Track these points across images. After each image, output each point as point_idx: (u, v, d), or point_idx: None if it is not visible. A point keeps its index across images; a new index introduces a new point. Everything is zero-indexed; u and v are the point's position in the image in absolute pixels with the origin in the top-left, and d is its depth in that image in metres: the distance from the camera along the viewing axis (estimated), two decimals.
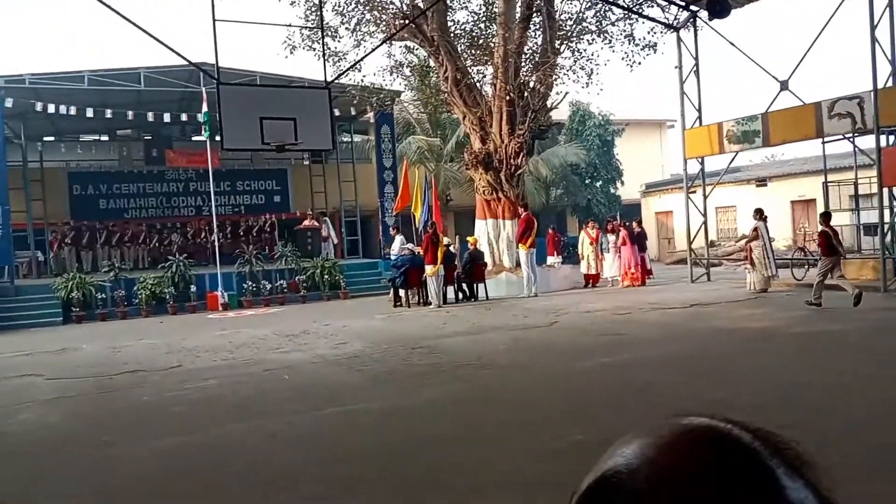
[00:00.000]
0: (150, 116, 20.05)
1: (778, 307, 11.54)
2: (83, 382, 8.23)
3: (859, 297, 10.42)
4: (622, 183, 29.54)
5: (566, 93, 17.79)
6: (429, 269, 14.67)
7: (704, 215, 16.71)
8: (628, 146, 30.32)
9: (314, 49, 16.60)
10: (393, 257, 16.68)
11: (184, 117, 20.93)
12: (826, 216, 11.58)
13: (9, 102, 17.50)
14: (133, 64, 18.90)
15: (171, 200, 23.92)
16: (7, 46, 54.76)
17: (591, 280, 17.36)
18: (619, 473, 0.48)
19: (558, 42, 17.08)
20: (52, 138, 24.76)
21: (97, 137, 26.37)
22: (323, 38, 14.38)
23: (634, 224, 17.58)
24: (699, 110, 16.43)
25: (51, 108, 18.35)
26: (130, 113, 20.02)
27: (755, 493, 0.45)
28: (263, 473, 4.65)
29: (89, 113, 18.79)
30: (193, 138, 24.65)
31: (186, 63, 12.23)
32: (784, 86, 14.77)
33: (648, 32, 17.62)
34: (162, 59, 19.15)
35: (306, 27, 16.58)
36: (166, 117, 20.36)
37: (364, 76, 17.34)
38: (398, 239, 17.07)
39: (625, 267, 16.71)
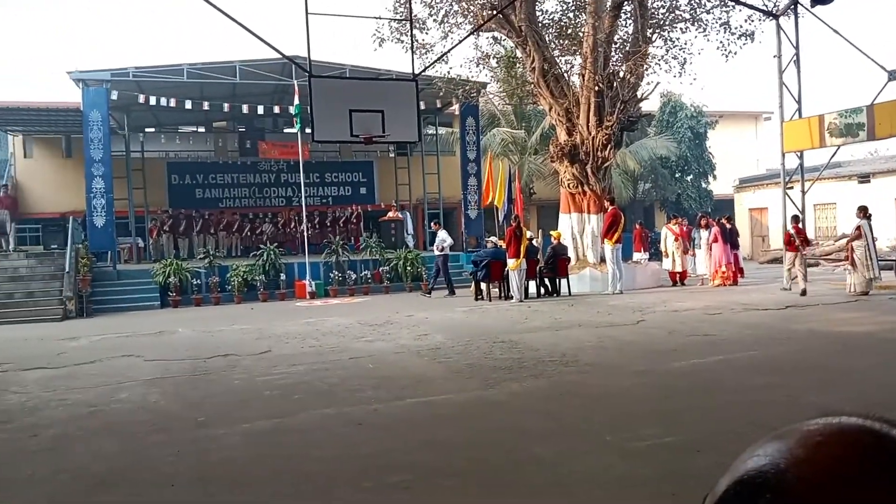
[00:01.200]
0: (245, 109, 20.76)
1: (880, 310, 10.89)
2: (179, 364, 8.62)
3: None
4: (714, 177, 28.58)
5: (657, 83, 17.30)
6: (511, 262, 14.59)
7: (802, 212, 15.92)
8: (722, 139, 29.27)
9: (402, 41, 16.76)
10: (436, 252, 16.92)
11: (276, 110, 21.56)
12: None
13: (114, 95, 18.45)
14: (229, 57, 19.58)
15: (263, 191, 24.71)
16: (113, 41, 57.78)
17: (678, 278, 16.85)
18: (765, 474, 0.44)
19: (650, 31, 16.61)
20: (152, 129, 25.98)
21: (195, 129, 27.52)
22: (412, 30, 14.47)
23: (725, 220, 16.95)
24: (798, 102, 15.64)
25: (152, 101, 19.26)
26: (226, 105, 20.78)
27: None
28: (349, 460, 4.74)
29: (188, 105, 19.59)
30: (285, 130, 25.39)
31: (280, 56, 12.54)
32: (892, 76, 13.89)
33: (746, 20, 16.85)
34: (256, 52, 19.80)
35: (395, 19, 16.74)
36: (260, 109, 21.03)
37: (450, 68, 17.42)
38: (441, 234, 17.23)
39: (715, 265, 16.14)
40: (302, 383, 7.25)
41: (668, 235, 17.16)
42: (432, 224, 18.97)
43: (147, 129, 25.40)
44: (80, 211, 19.16)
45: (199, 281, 17.81)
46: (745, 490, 0.45)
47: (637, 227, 19.84)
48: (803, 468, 0.44)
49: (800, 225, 14.29)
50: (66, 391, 7.27)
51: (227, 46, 63.58)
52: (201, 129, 27.39)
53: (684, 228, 17.39)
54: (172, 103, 19.38)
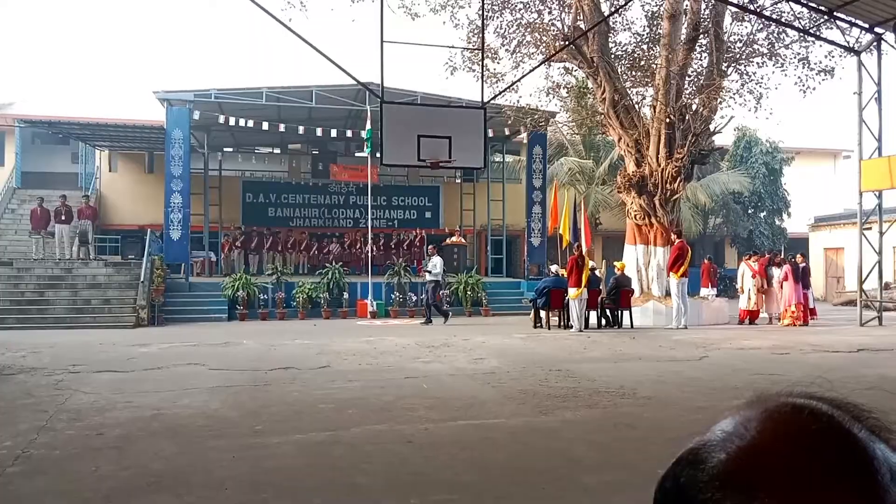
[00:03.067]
0: (319, 132, 21.35)
1: None
2: (241, 375, 8.87)
3: None
4: (789, 215, 27.72)
5: (731, 117, 17.02)
6: (572, 291, 14.48)
7: (879, 254, 15.30)
8: (798, 176, 28.40)
9: (473, 70, 17.00)
10: (428, 278, 16.80)
11: (349, 134, 22.10)
12: None
13: (196, 115, 19.30)
14: (306, 82, 20.20)
15: (332, 212, 25.27)
16: (197, 63, 60.43)
17: (749, 317, 16.32)
18: (710, 444, 0.50)
19: (725, 64, 16.39)
20: (230, 149, 26.97)
21: (270, 150, 28.45)
22: (483, 59, 14.69)
23: (799, 258, 16.41)
24: (879, 140, 15.12)
25: (231, 121, 20.05)
26: (301, 128, 21.44)
27: (833, 452, 0.47)
28: (397, 475, 4.80)
29: (265, 126, 20.31)
30: (356, 154, 25.96)
31: (355, 82, 12.91)
32: None
33: (826, 56, 16.45)
34: (332, 78, 20.38)
35: (468, 49, 17.01)
36: (333, 133, 21.60)
37: (520, 97, 17.52)
38: (434, 259, 17.11)
39: (785, 304, 15.61)
40: (357, 399, 7.36)
41: (745, 272, 16.68)
42: (429, 248, 18.96)
43: (225, 149, 26.36)
44: (158, 224, 20.00)
45: (265, 296, 18.30)
46: (693, 457, 0.52)
47: (705, 261, 19.37)
48: (737, 440, 0.50)
49: None
50: (133, 394, 7.57)
51: (305, 71, 65.61)
52: (276, 151, 28.28)
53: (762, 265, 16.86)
54: (251, 124, 20.12)
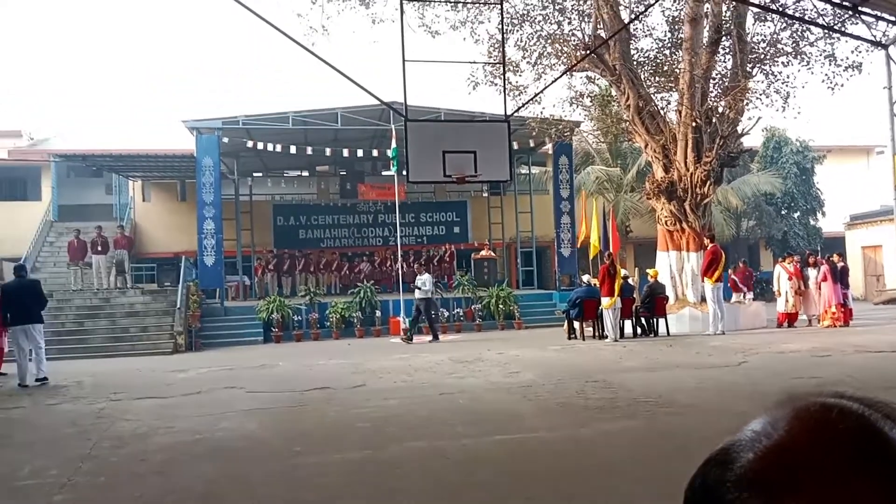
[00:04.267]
0: (346, 153, 21.57)
1: None
2: (278, 396, 8.94)
3: None
4: (823, 214, 27.23)
5: (759, 118, 16.79)
6: (605, 301, 14.35)
7: None
8: (830, 174, 27.92)
9: (495, 84, 17.04)
10: (418, 294, 16.35)
11: (375, 153, 22.28)
12: None
13: (225, 141, 19.63)
14: (331, 104, 20.44)
15: (361, 231, 25.45)
16: (225, 91, 61.48)
17: (787, 319, 16.01)
18: (739, 444, 0.51)
19: (750, 65, 16.21)
20: (260, 174, 27.36)
21: (299, 173, 28.79)
22: (504, 73, 14.72)
23: (836, 258, 16.08)
24: None
25: (260, 146, 20.36)
26: (328, 150, 21.68)
27: (862, 450, 0.47)
28: (436, 491, 4.78)
29: (293, 150, 20.57)
30: (383, 173, 26.16)
31: (379, 102, 13.03)
32: None
33: (853, 52, 16.18)
34: (357, 99, 20.56)
35: (489, 63, 17.08)
36: (359, 153, 21.79)
37: (543, 108, 17.49)
38: (423, 276, 16.66)
39: (825, 305, 15.29)
40: (393, 416, 7.37)
41: (781, 274, 16.41)
42: (416, 266, 18.82)
43: (255, 174, 26.74)
44: (192, 251, 20.32)
45: (299, 317, 18.45)
46: (723, 456, 0.53)
47: (740, 265, 19.10)
48: (766, 439, 0.50)
49: None
50: (174, 419, 7.67)
51: (330, 93, 66.36)
52: (305, 173, 28.62)
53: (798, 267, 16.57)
54: (279, 148, 20.39)
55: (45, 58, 60.33)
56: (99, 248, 19.75)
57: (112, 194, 26.27)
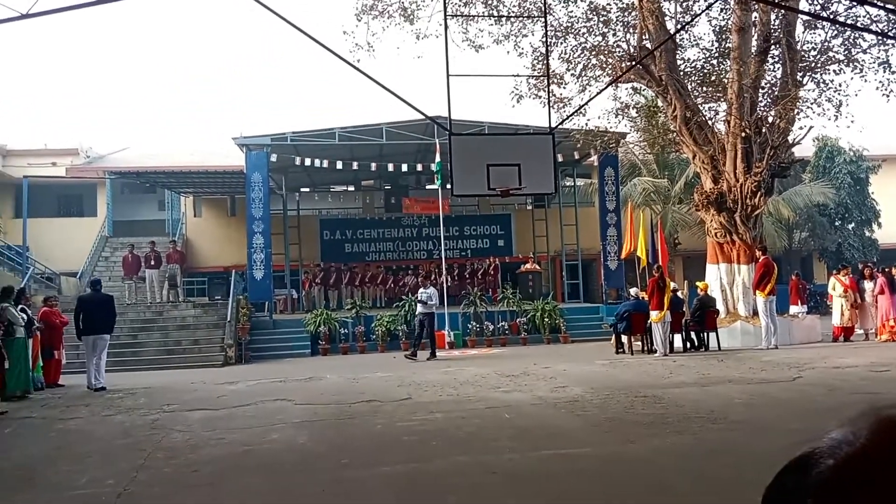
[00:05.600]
0: (390, 167, 21.78)
1: None
2: (326, 409, 9.02)
3: None
4: (879, 225, 26.39)
5: (810, 127, 16.41)
6: (654, 315, 14.13)
7: None
8: (886, 184, 27.04)
9: (539, 96, 17.03)
10: (420, 309, 15.59)
11: (419, 167, 22.44)
12: None
13: (273, 157, 20.02)
14: (377, 120, 20.69)
15: (405, 244, 25.61)
16: (274, 108, 62.78)
17: (843, 333, 15.53)
18: (819, 452, 0.51)
19: (800, 74, 15.88)
20: (307, 189, 27.79)
21: (345, 188, 29.17)
22: (549, 85, 14.70)
23: (893, 270, 15.56)
24: None
25: (307, 162, 20.70)
26: (373, 164, 21.92)
27: None
28: None
29: (339, 165, 20.87)
30: (427, 186, 26.32)
31: (423, 117, 13.14)
32: None
33: None
34: (401, 114, 20.82)
35: (533, 76, 17.08)
36: (404, 167, 21.98)
37: (588, 120, 17.40)
38: (429, 290, 15.93)
39: (882, 318, 14.79)
40: (439, 430, 7.37)
41: (836, 286, 15.95)
42: (420, 279, 18.41)
43: (302, 189, 27.18)
44: (242, 265, 20.72)
45: (346, 330, 18.62)
46: (801, 465, 0.53)
47: (793, 278, 18.62)
48: (847, 448, 0.51)
49: None
50: (224, 431, 7.81)
51: (375, 108, 67.19)
52: (351, 188, 28.98)
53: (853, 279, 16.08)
54: (325, 164, 20.70)
55: (96, 73, 62.53)
56: (152, 263, 20.29)
57: (164, 210, 27.01)
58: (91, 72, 63.24)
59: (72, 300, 18.68)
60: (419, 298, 15.94)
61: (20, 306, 11.70)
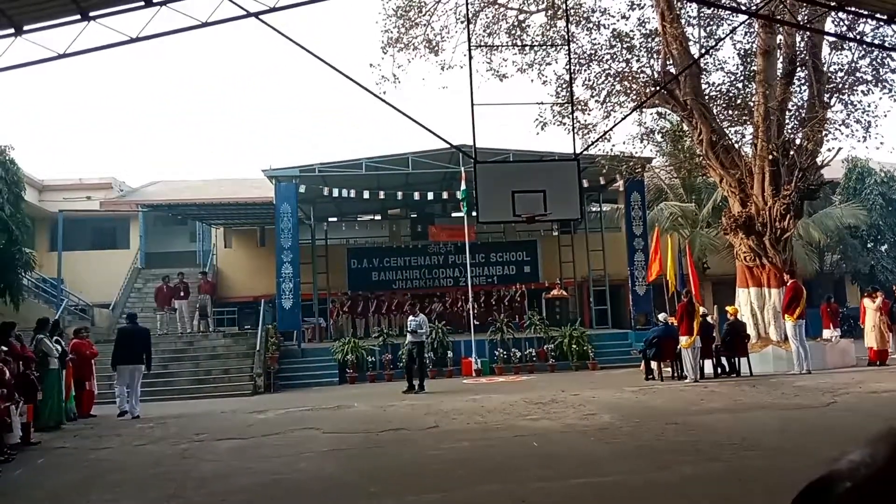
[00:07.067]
0: (416, 196, 21.92)
1: None
2: (354, 437, 9.03)
3: None
4: None
5: (839, 148, 16.23)
6: (684, 340, 13.96)
7: None
8: None
9: (564, 123, 17.10)
10: (410, 339, 15.15)
11: (445, 195, 22.56)
12: None
13: (302, 188, 20.29)
14: (402, 149, 20.90)
15: (432, 272, 25.65)
16: (302, 141, 63.72)
17: (878, 357, 15.20)
18: (838, 473, 0.53)
19: (827, 95, 15.76)
20: (334, 219, 28.06)
21: (371, 217, 29.40)
22: (573, 112, 14.77)
23: None
24: None
25: (335, 192, 20.94)
26: (400, 193, 22.09)
27: None
28: None
29: (366, 195, 21.08)
30: (453, 214, 26.42)
31: (448, 146, 13.28)
32: None
33: None
34: (427, 143, 21.03)
35: (557, 103, 17.16)
36: (430, 196, 22.10)
37: (613, 145, 17.39)
38: (419, 317, 15.68)
39: None
40: (467, 459, 7.34)
41: (868, 309, 15.66)
42: (406, 308, 18.04)
43: (330, 219, 27.44)
44: (271, 294, 20.90)
45: (373, 358, 18.64)
46: (822, 484, 0.56)
47: (825, 301, 18.30)
48: (866, 469, 0.54)
49: None
50: (253, 460, 7.85)
51: (401, 138, 67.91)
52: (377, 217, 29.19)
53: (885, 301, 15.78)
54: (352, 194, 20.92)
55: (125, 107, 64.06)
56: (182, 294, 20.57)
57: (195, 241, 27.42)
58: (120, 105, 64.88)
59: (105, 331, 19.02)
60: (408, 328, 15.41)
61: (55, 338, 11.93)
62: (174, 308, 20.50)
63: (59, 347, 11.79)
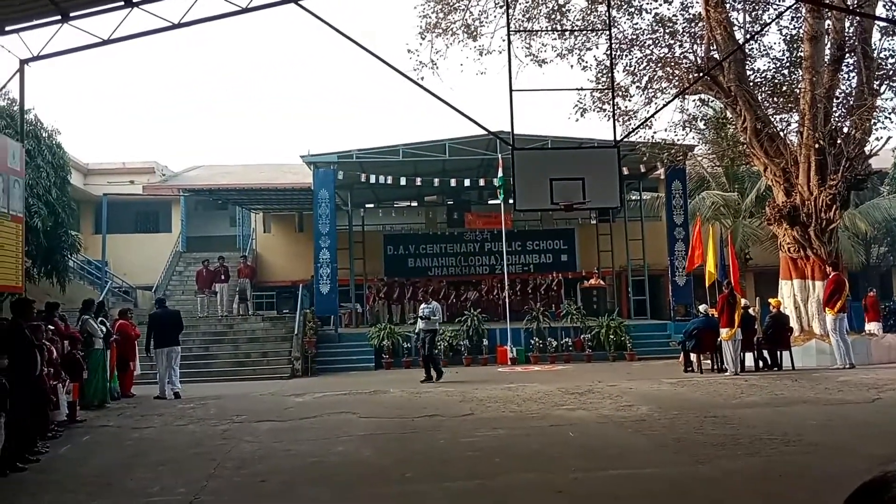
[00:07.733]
0: (453, 182, 21.90)
1: None
2: (390, 422, 9.10)
3: None
4: None
5: (888, 137, 15.79)
6: (724, 332, 13.73)
7: None
8: None
9: (604, 110, 16.85)
10: (421, 325, 14.98)
11: (481, 182, 22.50)
12: None
13: (340, 175, 20.42)
14: (440, 136, 20.86)
15: (468, 260, 25.64)
16: (342, 126, 64.10)
17: None
18: (893, 476, 0.51)
19: (877, 82, 15.27)
20: (371, 205, 28.20)
21: (408, 203, 29.48)
22: (613, 98, 14.56)
23: None
24: None
25: (372, 179, 21.03)
26: (436, 180, 22.09)
27: None
28: None
29: (402, 182, 21.13)
30: (489, 201, 26.33)
31: (486, 133, 13.21)
32: None
33: None
34: (464, 129, 20.91)
35: (597, 89, 16.92)
36: (467, 183, 22.07)
37: (654, 132, 17.11)
38: (432, 305, 15.51)
39: None
40: (502, 447, 7.34)
41: None
42: (420, 292, 17.88)
43: (367, 205, 27.59)
44: (309, 279, 21.14)
45: (409, 344, 18.73)
46: (877, 484, 0.52)
47: (870, 294, 17.83)
48: None
49: None
50: (292, 442, 7.96)
51: (439, 124, 67.82)
52: (414, 204, 29.26)
53: None
54: (389, 181, 20.98)
55: (168, 91, 65.09)
56: (222, 277, 20.91)
57: (235, 226, 27.82)
58: (163, 91, 65.94)
59: (148, 312, 19.45)
60: (421, 314, 15.21)
61: (100, 318, 12.22)
62: (214, 291, 20.85)
63: (104, 328, 12.08)
